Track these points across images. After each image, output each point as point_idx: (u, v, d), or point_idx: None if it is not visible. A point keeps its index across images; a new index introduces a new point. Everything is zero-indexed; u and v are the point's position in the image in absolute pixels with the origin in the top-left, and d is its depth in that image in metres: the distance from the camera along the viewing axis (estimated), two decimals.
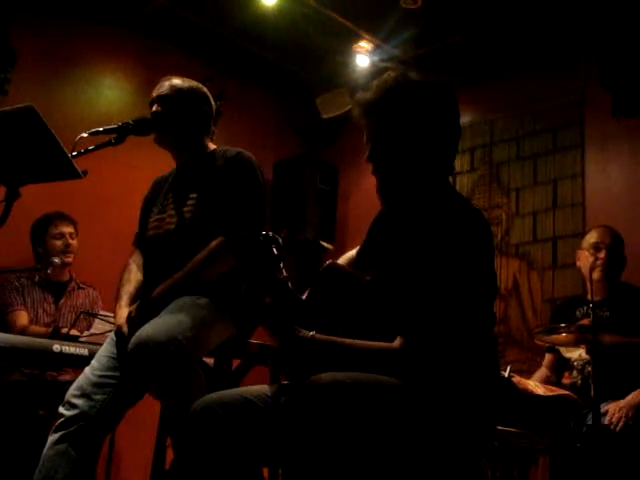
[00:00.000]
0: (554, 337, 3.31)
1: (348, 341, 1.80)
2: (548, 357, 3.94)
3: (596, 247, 3.85)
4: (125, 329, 2.67)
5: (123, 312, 2.77)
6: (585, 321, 3.49)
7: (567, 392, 3.31)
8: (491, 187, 5.45)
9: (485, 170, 5.51)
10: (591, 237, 3.93)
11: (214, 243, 2.72)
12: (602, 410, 3.25)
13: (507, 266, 5.17)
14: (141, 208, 3.11)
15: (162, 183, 3.08)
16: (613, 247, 3.83)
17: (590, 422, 3.22)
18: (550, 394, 3.18)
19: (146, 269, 2.94)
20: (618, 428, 3.24)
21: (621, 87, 4.77)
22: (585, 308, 3.73)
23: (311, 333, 1.79)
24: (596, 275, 3.79)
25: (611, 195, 4.87)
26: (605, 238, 3.86)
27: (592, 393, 3.07)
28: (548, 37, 5.16)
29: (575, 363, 3.70)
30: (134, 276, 2.94)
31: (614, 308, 3.65)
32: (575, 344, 3.45)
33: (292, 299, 1.83)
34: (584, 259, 3.88)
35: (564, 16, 4.91)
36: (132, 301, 2.84)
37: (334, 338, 1.80)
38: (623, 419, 3.25)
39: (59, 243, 4.16)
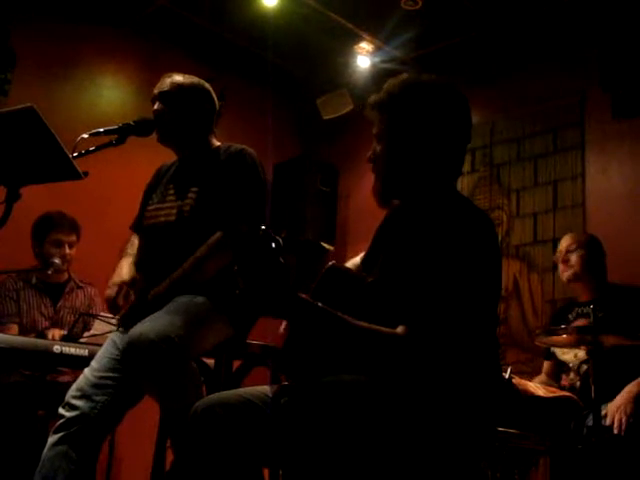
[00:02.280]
0: (554, 338, 3.31)
1: (354, 320, 1.79)
2: (546, 364, 3.94)
3: (565, 254, 3.88)
4: (120, 301, 2.69)
5: (125, 271, 2.81)
6: (578, 323, 3.49)
7: (568, 393, 3.31)
8: (491, 188, 5.45)
9: (485, 171, 5.51)
10: (560, 246, 3.96)
11: (212, 239, 2.72)
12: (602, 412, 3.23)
13: (507, 267, 5.16)
14: (143, 193, 3.11)
15: (165, 172, 3.08)
16: (587, 249, 3.83)
17: (590, 423, 3.21)
18: (551, 395, 3.18)
19: (142, 258, 2.94)
20: (623, 430, 3.22)
21: (621, 88, 4.77)
22: (577, 310, 3.78)
23: (319, 303, 1.77)
24: (570, 273, 3.85)
25: (611, 196, 4.87)
26: (570, 245, 3.88)
27: (593, 394, 3.05)
28: (548, 38, 5.17)
29: (571, 364, 3.70)
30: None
31: (604, 309, 3.63)
32: (572, 345, 3.45)
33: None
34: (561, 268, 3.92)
35: (564, 17, 4.92)
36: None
37: (342, 314, 1.78)
38: (624, 418, 3.24)
39: (55, 251, 4.06)
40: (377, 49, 5.55)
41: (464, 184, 5.55)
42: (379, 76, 5.53)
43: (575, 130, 5.10)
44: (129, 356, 2.48)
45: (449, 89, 2.04)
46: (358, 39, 5.48)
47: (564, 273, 3.89)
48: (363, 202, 5.87)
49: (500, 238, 5.24)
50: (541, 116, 5.28)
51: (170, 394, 2.50)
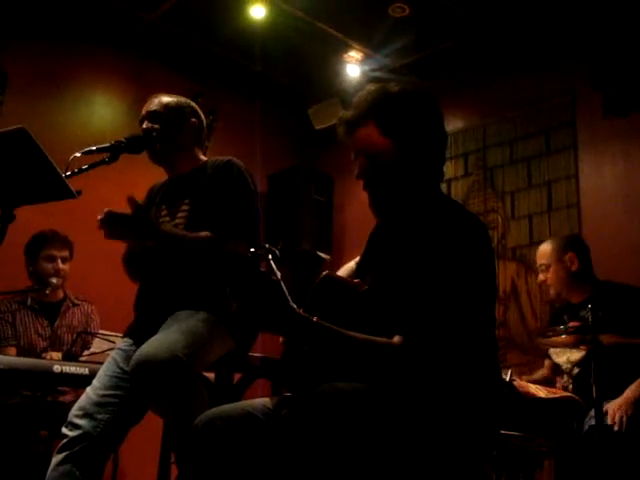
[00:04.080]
0: (553, 339, 3.31)
1: (350, 332, 1.79)
2: (547, 362, 3.94)
3: (541, 269, 3.88)
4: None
5: None
6: (573, 324, 3.48)
7: (569, 394, 3.31)
8: (486, 192, 5.46)
9: (479, 175, 5.52)
10: (537, 260, 3.95)
11: (204, 233, 2.74)
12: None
13: (505, 270, 5.17)
14: None
15: (157, 192, 3.09)
16: (558, 263, 3.79)
17: (589, 423, 3.21)
18: (552, 396, 3.17)
19: (141, 278, 2.95)
20: (623, 427, 3.22)
21: (611, 86, 4.79)
22: (570, 312, 3.74)
23: (314, 318, 1.78)
24: (552, 292, 3.85)
25: (605, 195, 4.88)
26: (541, 265, 3.87)
27: (594, 394, 3.05)
28: (537, 39, 5.18)
29: (564, 367, 3.70)
30: None
31: (598, 308, 3.60)
32: (571, 346, 3.45)
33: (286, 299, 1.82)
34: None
35: (553, 18, 4.94)
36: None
37: (337, 328, 1.79)
38: (625, 417, 3.23)
39: (49, 266, 4.05)
40: (367, 57, 5.57)
41: (458, 188, 5.57)
42: (369, 84, 5.53)
43: (567, 130, 5.12)
44: (138, 376, 2.47)
45: (416, 95, 2.03)
46: (347, 48, 5.50)
47: (548, 290, 3.89)
48: (358, 211, 5.87)
49: (496, 241, 5.25)
50: (533, 117, 5.29)
51: (177, 411, 2.50)
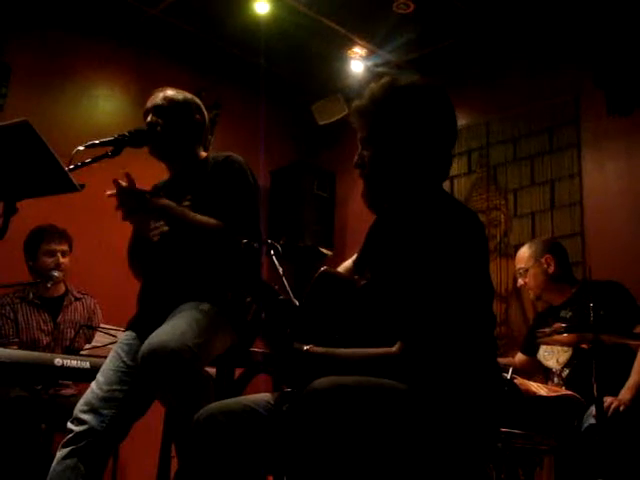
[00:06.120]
0: (556, 338, 3.30)
1: (345, 351, 1.80)
2: (521, 357, 3.98)
3: (519, 273, 3.92)
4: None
5: None
6: (556, 325, 3.48)
7: (570, 392, 3.30)
8: (489, 189, 5.46)
9: (482, 172, 5.52)
10: (515, 265, 4.00)
11: (214, 221, 2.73)
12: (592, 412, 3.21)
13: (507, 267, 5.16)
14: None
15: (159, 191, 3.08)
16: (536, 267, 3.83)
17: (587, 422, 3.20)
18: (553, 394, 3.17)
19: (144, 272, 2.95)
20: (610, 413, 3.21)
21: (615, 85, 4.78)
22: (554, 314, 3.77)
23: (306, 347, 1.79)
24: (532, 295, 3.93)
25: (608, 193, 4.87)
26: (519, 270, 3.92)
27: (595, 392, 3.04)
28: (541, 37, 5.18)
29: (554, 369, 3.70)
30: None
31: (576, 308, 3.61)
32: (571, 344, 3.45)
33: (280, 304, 1.82)
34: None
35: (557, 16, 4.94)
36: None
37: (331, 350, 1.80)
38: (622, 408, 3.23)
39: (50, 261, 4.04)
40: (371, 53, 5.57)
41: (461, 185, 5.57)
42: (373, 80, 5.53)
43: (571, 128, 5.11)
44: (149, 364, 2.47)
45: (431, 90, 2.03)
46: (351, 44, 5.50)
47: (528, 292, 3.99)
48: (360, 206, 5.79)
49: (499, 238, 5.25)
50: (536, 115, 5.29)
51: (184, 400, 2.50)
